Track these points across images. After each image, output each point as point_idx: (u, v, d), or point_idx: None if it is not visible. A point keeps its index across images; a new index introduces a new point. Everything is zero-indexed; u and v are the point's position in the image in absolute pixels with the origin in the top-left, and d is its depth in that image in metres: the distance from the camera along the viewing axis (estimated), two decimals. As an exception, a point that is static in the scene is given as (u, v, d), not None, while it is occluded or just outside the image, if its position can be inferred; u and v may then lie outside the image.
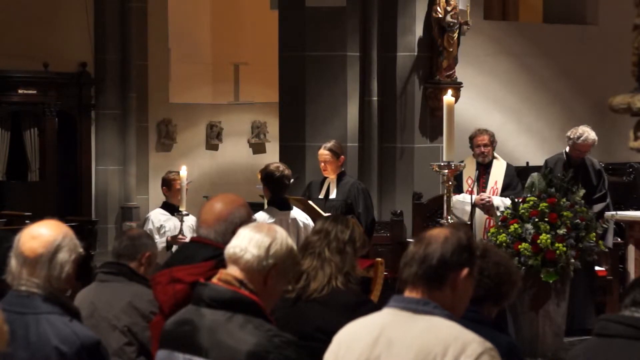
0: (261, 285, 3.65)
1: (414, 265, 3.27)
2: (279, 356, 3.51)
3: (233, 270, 3.66)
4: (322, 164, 9.04)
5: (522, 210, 8.62)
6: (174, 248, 9.05)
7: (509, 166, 9.92)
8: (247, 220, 4.33)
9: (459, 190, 9.48)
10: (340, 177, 9.08)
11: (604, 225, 9.29)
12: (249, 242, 3.65)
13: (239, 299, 3.60)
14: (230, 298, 3.59)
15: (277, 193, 7.98)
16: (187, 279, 4.19)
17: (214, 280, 3.68)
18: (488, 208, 9.54)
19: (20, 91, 14.87)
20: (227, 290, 3.61)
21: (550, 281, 8.53)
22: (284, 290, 4.99)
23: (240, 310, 3.58)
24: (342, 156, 9.16)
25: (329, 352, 3.39)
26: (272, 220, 7.71)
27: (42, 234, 3.81)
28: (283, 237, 3.70)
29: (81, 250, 3.87)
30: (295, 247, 3.76)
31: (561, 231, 8.47)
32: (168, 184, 9.53)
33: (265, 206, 8.13)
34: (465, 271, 3.28)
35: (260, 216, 7.86)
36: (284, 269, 3.69)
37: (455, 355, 3.09)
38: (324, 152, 9.04)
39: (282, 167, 8.05)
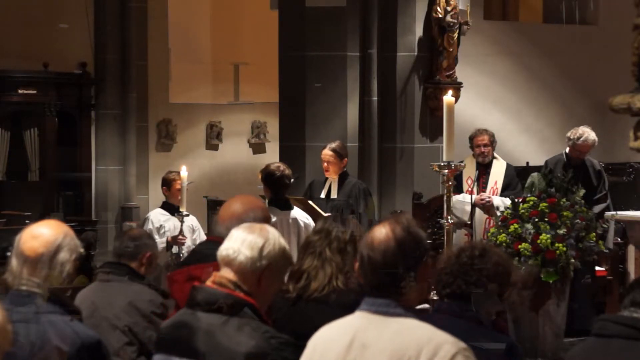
0: (255, 286, 3.65)
1: (375, 274, 3.22)
2: (277, 357, 3.51)
3: (227, 273, 3.65)
4: (325, 164, 9.05)
5: (522, 210, 8.62)
6: (174, 248, 9.06)
7: (508, 166, 9.92)
8: (262, 222, 4.31)
9: (459, 190, 9.48)
10: (342, 177, 9.08)
11: (604, 226, 9.29)
12: (241, 243, 3.65)
13: (235, 301, 3.60)
14: (225, 300, 3.59)
15: (277, 193, 7.99)
16: (205, 277, 4.19)
17: (208, 283, 3.68)
18: (488, 208, 9.54)
19: (20, 91, 14.85)
20: (222, 292, 3.61)
21: (550, 281, 8.53)
22: (284, 290, 5.00)
23: (236, 313, 3.59)
24: (346, 158, 9.16)
25: (304, 356, 3.39)
26: (273, 220, 7.72)
27: (43, 234, 3.81)
28: (275, 237, 3.69)
29: (82, 250, 3.87)
30: (287, 246, 3.76)
31: (561, 231, 8.47)
32: (168, 184, 9.53)
33: (267, 206, 8.13)
34: (423, 263, 3.26)
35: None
36: (277, 269, 3.69)
37: (428, 357, 3.08)
38: (327, 153, 9.04)
39: (282, 167, 8.05)
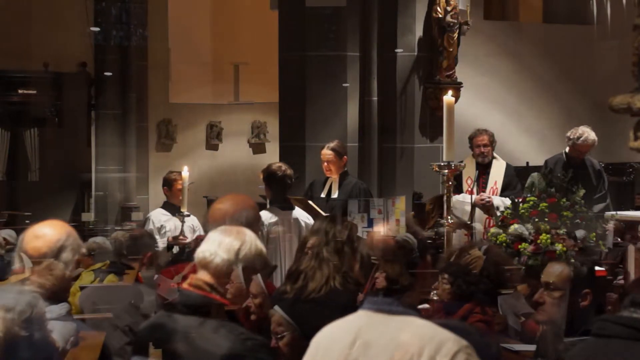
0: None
1: (388, 277, 3.27)
2: (252, 359, 3.53)
3: (203, 275, 3.66)
4: (325, 164, 9.06)
5: (522, 210, 8.62)
6: (175, 249, 9.06)
7: (508, 166, 9.92)
8: (254, 221, 4.32)
9: (458, 190, 9.49)
10: (343, 177, 9.09)
11: (604, 225, 9.29)
12: (218, 246, 3.66)
13: (211, 304, 3.61)
14: (202, 303, 3.61)
15: (279, 193, 7.99)
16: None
17: (185, 285, 3.69)
18: (488, 208, 9.54)
19: (20, 91, 14.87)
20: (198, 295, 3.62)
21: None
22: (282, 290, 5.00)
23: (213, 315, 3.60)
24: (345, 157, 9.17)
25: (308, 355, 3.40)
26: (275, 219, 7.73)
27: (46, 234, 3.82)
28: (252, 240, 3.71)
29: (84, 250, 3.88)
30: (264, 248, 3.76)
31: (561, 231, 8.48)
32: (169, 184, 9.53)
33: (268, 206, 8.13)
34: (424, 262, 3.28)
35: (264, 215, 7.87)
36: (253, 271, 3.70)
37: (431, 355, 3.09)
38: (327, 152, 9.06)
39: (284, 166, 8.05)
